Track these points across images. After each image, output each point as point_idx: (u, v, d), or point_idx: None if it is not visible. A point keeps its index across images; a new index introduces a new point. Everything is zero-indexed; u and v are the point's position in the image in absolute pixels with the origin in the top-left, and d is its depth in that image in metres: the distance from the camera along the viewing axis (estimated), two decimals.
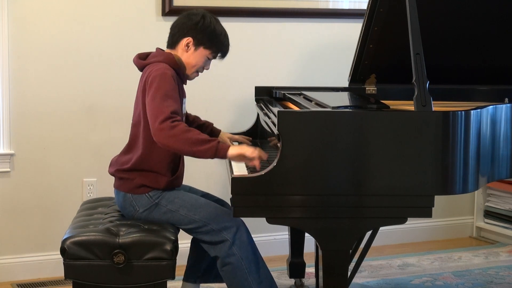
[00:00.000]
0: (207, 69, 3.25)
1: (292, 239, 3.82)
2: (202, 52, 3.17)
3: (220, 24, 3.21)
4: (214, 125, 3.56)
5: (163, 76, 3.01)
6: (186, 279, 3.33)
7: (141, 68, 3.20)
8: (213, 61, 3.27)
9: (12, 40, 3.89)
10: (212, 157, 2.91)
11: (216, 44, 3.18)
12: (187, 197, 3.13)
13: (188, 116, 3.41)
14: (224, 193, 3.62)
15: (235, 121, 4.21)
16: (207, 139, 2.89)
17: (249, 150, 2.91)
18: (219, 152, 2.88)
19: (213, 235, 3.05)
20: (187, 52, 3.15)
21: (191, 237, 3.22)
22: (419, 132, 2.82)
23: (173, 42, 3.18)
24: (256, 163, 2.88)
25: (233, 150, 2.90)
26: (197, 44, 3.15)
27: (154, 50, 3.27)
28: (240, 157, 2.91)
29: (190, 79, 3.25)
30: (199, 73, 3.25)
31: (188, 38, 3.14)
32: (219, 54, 3.22)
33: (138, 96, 3.14)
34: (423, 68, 2.87)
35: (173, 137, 2.87)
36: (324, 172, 2.78)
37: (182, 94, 3.14)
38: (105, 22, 4.06)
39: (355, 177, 2.81)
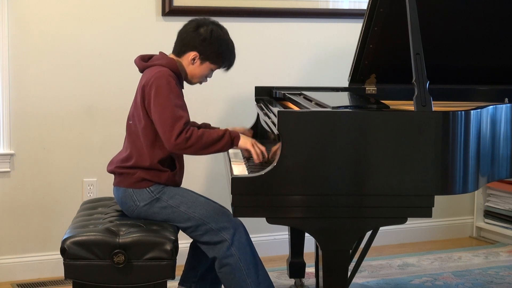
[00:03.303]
0: (210, 77, 3.28)
1: (292, 239, 3.82)
2: (208, 66, 3.21)
3: (228, 37, 3.22)
4: (214, 125, 3.55)
5: (170, 85, 3.04)
6: (182, 283, 3.32)
7: (142, 70, 3.21)
8: None
9: (12, 40, 3.89)
10: (230, 148, 3.12)
11: (222, 60, 3.22)
12: (188, 194, 3.14)
13: None
14: (224, 193, 3.62)
15: (235, 121, 4.20)
16: (219, 136, 3.04)
17: (257, 146, 3.10)
18: (234, 141, 3.06)
19: (211, 234, 3.06)
20: (193, 65, 3.19)
21: (191, 239, 3.21)
22: (419, 132, 2.82)
23: (180, 51, 3.20)
24: (258, 152, 3.06)
25: (243, 141, 3.07)
26: (203, 59, 3.19)
27: (154, 50, 3.28)
28: (248, 145, 3.08)
29: (192, 84, 3.29)
30: (202, 82, 3.29)
31: (194, 53, 3.17)
32: (223, 67, 3.26)
33: (137, 97, 3.14)
34: (423, 68, 2.87)
35: (189, 148, 3.01)
36: (324, 172, 2.78)
37: None
38: (105, 22, 4.05)
39: (355, 177, 2.81)
